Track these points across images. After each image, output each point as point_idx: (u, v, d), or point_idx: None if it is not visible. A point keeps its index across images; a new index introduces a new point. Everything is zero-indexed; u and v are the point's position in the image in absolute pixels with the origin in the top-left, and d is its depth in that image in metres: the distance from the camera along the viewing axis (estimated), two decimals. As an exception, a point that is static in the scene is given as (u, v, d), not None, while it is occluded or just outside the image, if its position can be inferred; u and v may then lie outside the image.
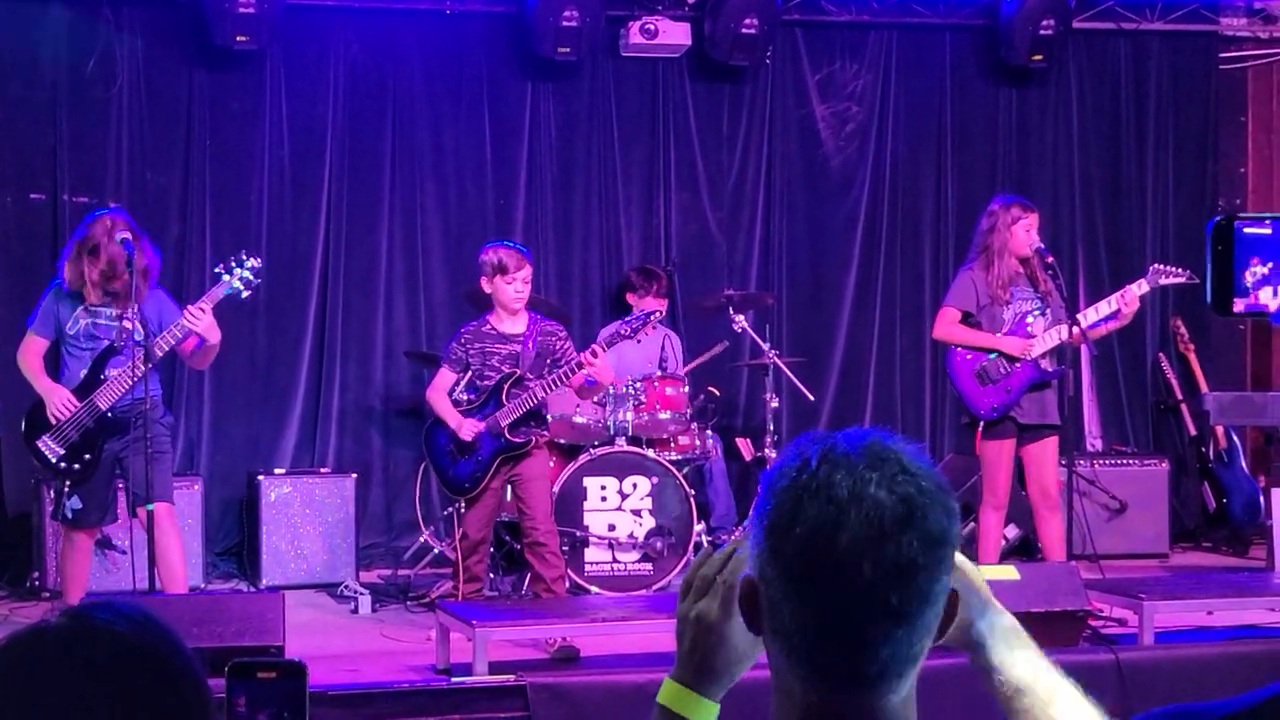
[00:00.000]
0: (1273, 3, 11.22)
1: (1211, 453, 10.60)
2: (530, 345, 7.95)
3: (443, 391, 8.09)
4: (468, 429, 7.90)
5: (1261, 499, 10.31)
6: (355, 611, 8.61)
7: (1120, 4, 10.93)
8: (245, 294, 7.57)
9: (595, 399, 8.95)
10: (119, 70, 9.65)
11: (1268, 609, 7.88)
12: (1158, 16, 11.05)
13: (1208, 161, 11.36)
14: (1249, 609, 7.80)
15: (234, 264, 7.51)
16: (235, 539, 9.78)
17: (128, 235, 7.32)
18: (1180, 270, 8.48)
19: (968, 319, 8.27)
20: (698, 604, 1.97)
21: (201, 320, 7.27)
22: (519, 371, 7.92)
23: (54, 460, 7.43)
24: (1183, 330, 11.02)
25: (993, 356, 8.20)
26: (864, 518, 1.70)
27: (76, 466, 7.44)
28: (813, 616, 1.71)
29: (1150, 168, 11.22)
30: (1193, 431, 10.80)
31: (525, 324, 8.01)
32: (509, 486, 8.06)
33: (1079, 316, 8.19)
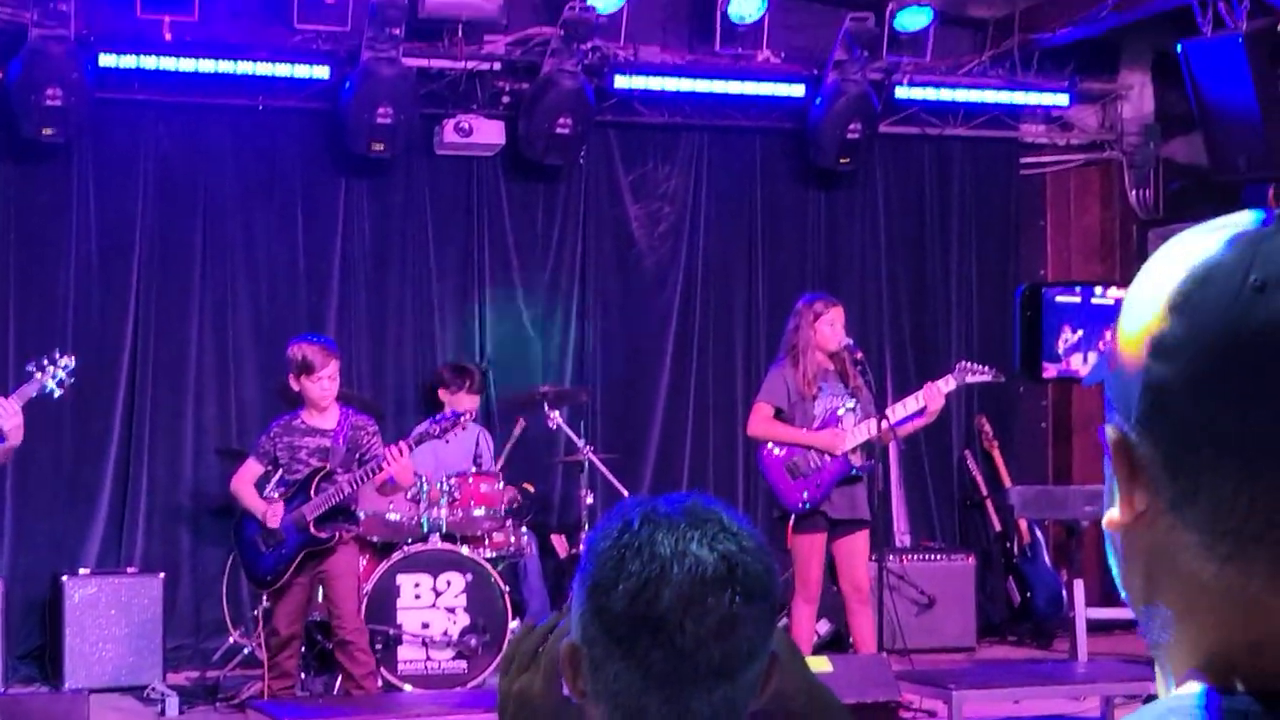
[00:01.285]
0: (1069, 111, 11.62)
1: (1016, 548, 10.83)
2: (341, 440, 7.92)
3: (247, 481, 8.03)
4: (272, 516, 7.83)
5: (1064, 592, 10.54)
6: (162, 714, 8.45)
7: (924, 109, 11.24)
8: (58, 393, 7.44)
9: (408, 495, 8.90)
10: (-79, 161, 9.46)
11: (1071, 698, 8.06)
12: (961, 122, 11.38)
13: (1009, 263, 11.67)
14: (1054, 698, 7.98)
15: (46, 362, 7.39)
16: (37, 641, 9.50)
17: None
18: (986, 368, 8.69)
19: (780, 415, 8.38)
20: (519, 679, 1.97)
21: (10, 420, 7.11)
22: (328, 466, 7.87)
23: None
24: (987, 428, 11.27)
25: (804, 451, 8.31)
26: (686, 574, 1.73)
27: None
28: (638, 675, 1.72)
29: (954, 268, 11.51)
30: (997, 527, 11.03)
31: (337, 418, 7.97)
32: (318, 584, 7.98)
33: (887, 412, 8.35)
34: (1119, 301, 1.09)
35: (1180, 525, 1.08)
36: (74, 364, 7.44)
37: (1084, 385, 3.29)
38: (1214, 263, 1.08)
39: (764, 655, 1.77)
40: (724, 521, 1.78)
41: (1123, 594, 1.17)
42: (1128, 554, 1.14)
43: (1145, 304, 1.11)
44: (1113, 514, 1.13)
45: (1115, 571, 1.17)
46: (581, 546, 9.18)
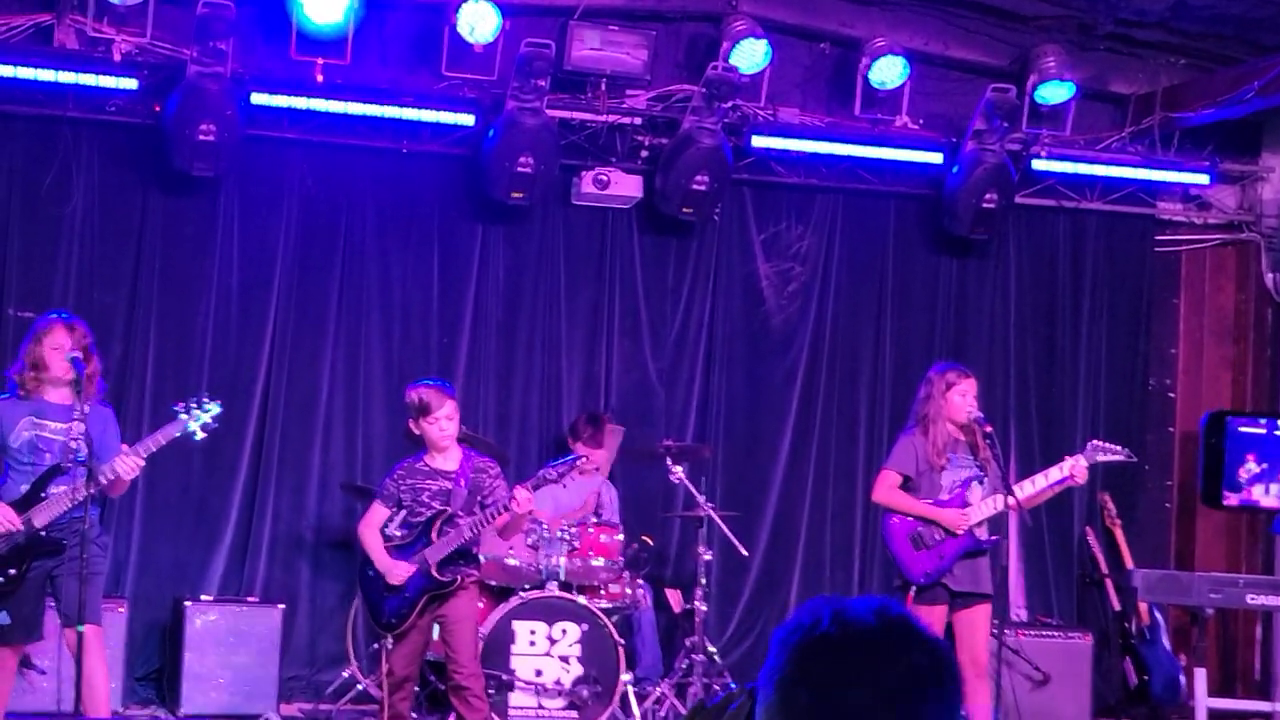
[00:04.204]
0: (1207, 190, 11.52)
1: (1134, 629, 10.69)
2: (463, 483, 7.97)
3: (374, 528, 8.07)
4: (396, 574, 7.87)
5: (1182, 677, 10.40)
6: (275, 745, 8.53)
7: (1061, 182, 11.19)
8: (200, 436, 7.57)
9: (528, 542, 8.96)
10: (75, 188, 9.69)
11: (1189, 788, 7.93)
12: (1097, 196, 11.32)
13: (1140, 341, 11.57)
14: (1171, 788, 7.85)
15: (194, 405, 7.52)
16: (156, 664, 9.66)
17: (79, 354, 7.33)
18: (1118, 448, 8.60)
19: (907, 483, 8.36)
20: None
21: (134, 471, 7.28)
22: (450, 509, 7.92)
23: (-22, 571, 7.36)
24: (1110, 506, 11.15)
25: (929, 522, 8.27)
26: (875, 678, 1.76)
27: (0, 580, 7.36)
28: None
29: (1084, 343, 11.42)
30: (1116, 607, 10.90)
31: (459, 460, 8.03)
32: (436, 625, 8.03)
33: (1015, 488, 8.29)
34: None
35: None
36: (220, 410, 7.58)
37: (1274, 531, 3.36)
38: None
39: None
40: (913, 628, 1.81)
41: None
42: None
43: None
44: None
45: None
46: (697, 604, 9.19)
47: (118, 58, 9.37)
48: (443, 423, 7.90)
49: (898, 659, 1.77)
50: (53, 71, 9.28)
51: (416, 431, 8.00)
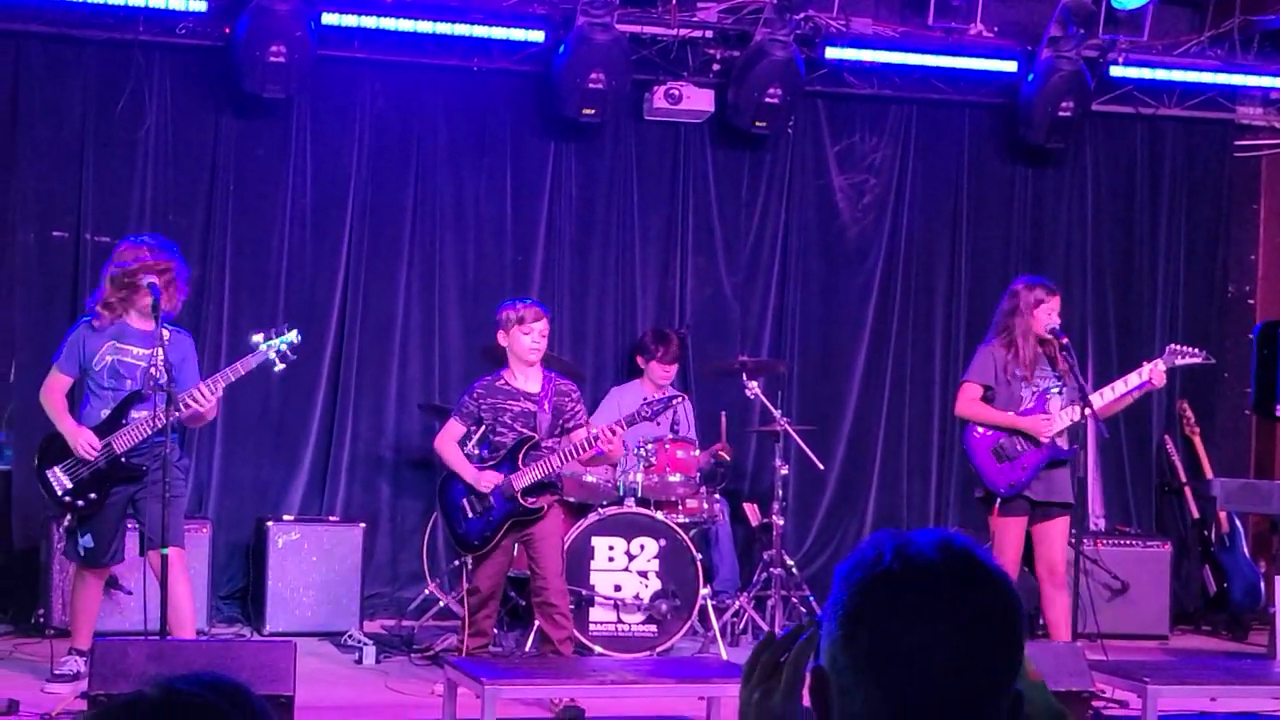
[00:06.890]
0: (1289, 93, 11.33)
1: (1213, 536, 10.64)
2: (546, 406, 7.96)
3: (453, 442, 8.09)
4: (486, 481, 7.90)
5: (1263, 585, 10.35)
6: (359, 662, 8.63)
7: (1138, 89, 11.03)
8: (279, 367, 7.63)
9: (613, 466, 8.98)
10: (147, 112, 9.72)
11: (1271, 697, 7.89)
12: (1175, 102, 11.16)
13: (1219, 248, 11.43)
14: (1252, 696, 7.81)
15: (273, 334, 7.57)
16: (240, 583, 9.79)
17: (155, 279, 7.38)
18: (1196, 350, 8.52)
19: (986, 394, 8.33)
20: (759, 689, 2.01)
21: (206, 403, 7.34)
22: (536, 436, 7.92)
23: (60, 494, 7.48)
24: (1189, 414, 11.06)
25: (1010, 434, 8.24)
26: (937, 611, 1.75)
27: (80, 504, 7.49)
28: (883, 704, 1.75)
29: (1162, 251, 11.29)
30: (1195, 514, 10.84)
31: (540, 382, 8.02)
32: (519, 544, 8.07)
33: (1092, 397, 8.24)
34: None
35: None
36: (299, 339, 7.63)
37: None
38: None
39: (1010, 692, 1.79)
40: (976, 559, 1.80)
41: None
42: None
43: None
44: None
45: None
46: (774, 518, 9.21)
47: (187, -20, 9.38)
48: (535, 335, 7.89)
49: (961, 594, 1.76)
50: (123, -5, 9.33)
51: (504, 343, 7.97)
